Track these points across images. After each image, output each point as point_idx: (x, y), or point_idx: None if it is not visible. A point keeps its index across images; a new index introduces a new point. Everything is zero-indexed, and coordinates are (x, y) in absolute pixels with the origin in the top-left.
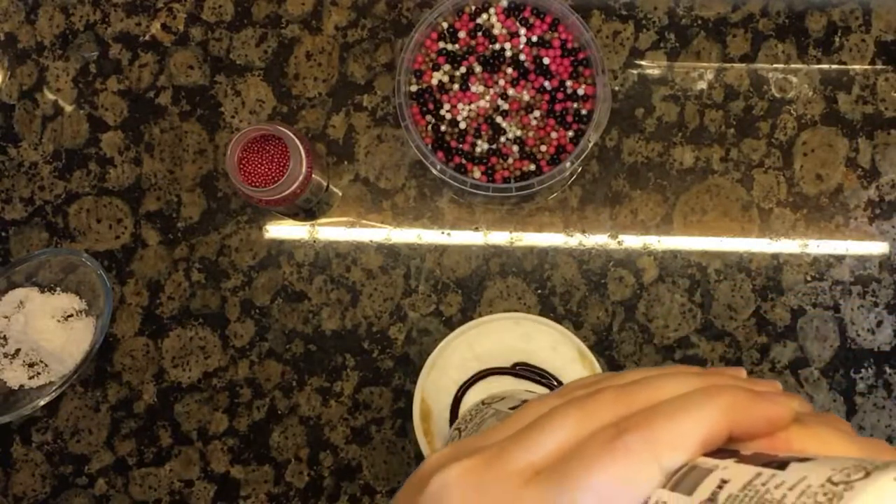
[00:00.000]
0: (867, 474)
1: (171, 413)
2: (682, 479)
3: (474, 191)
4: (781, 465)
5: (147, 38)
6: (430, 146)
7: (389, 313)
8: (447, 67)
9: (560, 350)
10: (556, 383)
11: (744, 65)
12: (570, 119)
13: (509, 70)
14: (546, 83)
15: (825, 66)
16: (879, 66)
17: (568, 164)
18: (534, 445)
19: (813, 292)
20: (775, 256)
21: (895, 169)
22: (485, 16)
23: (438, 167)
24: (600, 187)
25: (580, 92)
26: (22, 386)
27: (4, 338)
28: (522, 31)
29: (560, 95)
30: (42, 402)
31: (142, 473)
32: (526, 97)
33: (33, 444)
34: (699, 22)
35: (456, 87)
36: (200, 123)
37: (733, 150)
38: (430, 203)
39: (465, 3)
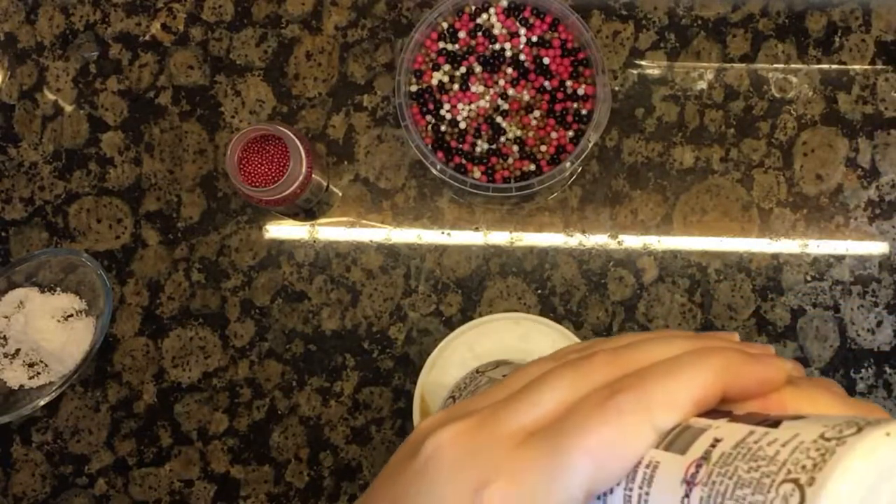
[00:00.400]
0: (859, 430)
1: (171, 413)
2: (676, 439)
3: (474, 191)
4: (774, 423)
5: (147, 38)
6: (430, 146)
7: (389, 313)
8: (447, 67)
9: None
10: None
11: (744, 65)
12: (570, 119)
13: (509, 70)
14: (546, 83)
15: (825, 66)
16: (879, 66)
17: (568, 164)
18: (527, 407)
19: (813, 292)
20: (775, 256)
21: (895, 169)
22: (485, 16)
23: (438, 167)
24: (600, 187)
25: (580, 92)
26: (22, 386)
27: (4, 338)
28: (522, 31)
29: (560, 95)
30: (42, 402)
31: (142, 473)
32: (526, 97)
33: (33, 444)
34: (699, 22)
35: (456, 87)
36: (200, 123)
37: (733, 150)
38: (430, 203)
39: (465, 3)
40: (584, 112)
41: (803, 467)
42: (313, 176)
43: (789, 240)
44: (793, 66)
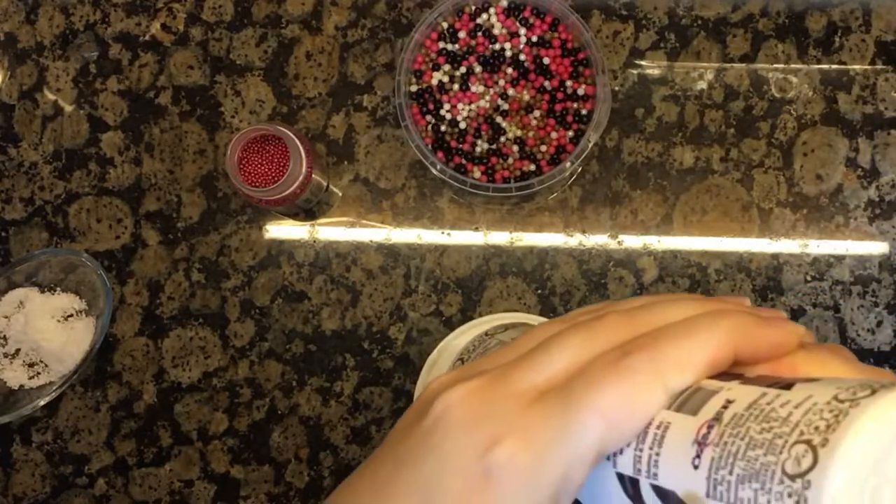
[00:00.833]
0: (873, 392)
1: (171, 413)
2: (687, 401)
3: (474, 191)
4: (787, 385)
5: (147, 38)
6: (430, 146)
7: (389, 313)
8: (447, 67)
9: None
10: None
11: (744, 65)
12: (570, 119)
13: (509, 70)
14: (546, 83)
15: (825, 66)
16: (879, 66)
17: (568, 164)
18: (538, 367)
19: (813, 292)
20: (775, 256)
21: (895, 169)
22: (485, 16)
23: (438, 167)
24: (600, 187)
25: (580, 92)
26: (22, 386)
27: (4, 338)
28: (522, 31)
29: (560, 95)
30: (42, 402)
31: (142, 473)
32: (526, 97)
33: (33, 444)
34: (699, 22)
35: (456, 87)
36: (200, 123)
37: (733, 150)
38: (430, 203)
39: (465, 3)
40: (584, 112)
41: (816, 428)
42: (313, 176)
43: (789, 240)
44: (793, 66)
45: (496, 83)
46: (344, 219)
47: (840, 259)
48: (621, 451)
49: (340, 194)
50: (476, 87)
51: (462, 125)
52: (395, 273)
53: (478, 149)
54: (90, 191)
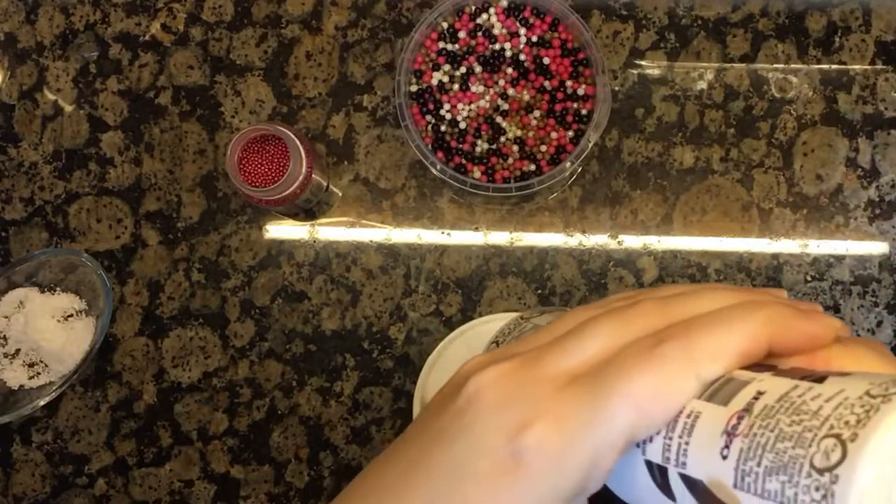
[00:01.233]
0: None
1: (171, 413)
2: (719, 391)
3: (474, 191)
4: (819, 379)
5: (147, 38)
6: (430, 146)
7: (389, 313)
8: (447, 67)
9: None
10: None
11: (744, 65)
12: (570, 119)
13: (509, 70)
14: (546, 83)
15: (825, 66)
16: (879, 66)
17: (568, 164)
18: (571, 352)
19: (813, 292)
20: (775, 256)
21: (895, 169)
22: (485, 16)
23: (438, 167)
24: (600, 187)
25: (580, 92)
26: (22, 386)
27: (4, 338)
28: (522, 31)
29: (560, 95)
30: (42, 402)
31: (142, 473)
32: (526, 97)
33: (33, 444)
34: (699, 22)
35: (456, 87)
36: (200, 123)
37: (733, 150)
38: (430, 203)
39: (465, 3)
40: (584, 112)
41: (846, 423)
42: (313, 176)
43: (789, 240)
44: (793, 66)
45: (496, 83)
46: (344, 219)
47: (840, 259)
48: (651, 439)
49: (340, 194)
50: (476, 87)
51: (462, 125)
52: (395, 273)
53: (478, 149)
54: (90, 191)
